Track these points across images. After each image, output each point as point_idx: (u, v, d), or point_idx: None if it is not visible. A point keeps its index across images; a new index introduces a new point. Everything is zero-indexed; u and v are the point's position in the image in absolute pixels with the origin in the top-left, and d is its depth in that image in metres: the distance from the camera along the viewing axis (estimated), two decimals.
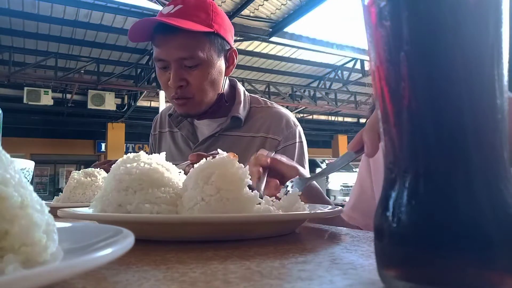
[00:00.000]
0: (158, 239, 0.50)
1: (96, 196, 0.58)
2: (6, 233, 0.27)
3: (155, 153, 0.62)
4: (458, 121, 0.25)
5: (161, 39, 1.10)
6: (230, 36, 1.20)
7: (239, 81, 1.35)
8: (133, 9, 6.63)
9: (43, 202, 0.32)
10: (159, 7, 5.87)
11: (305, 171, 0.99)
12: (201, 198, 0.52)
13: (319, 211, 0.60)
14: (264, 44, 8.18)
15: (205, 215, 0.50)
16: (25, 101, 9.18)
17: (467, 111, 0.25)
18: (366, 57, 7.79)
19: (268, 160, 0.77)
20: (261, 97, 1.40)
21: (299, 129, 1.27)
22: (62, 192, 1.06)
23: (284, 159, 0.82)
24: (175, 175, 0.59)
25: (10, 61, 8.09)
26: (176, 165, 0.64)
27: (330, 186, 10.80)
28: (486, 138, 0.26)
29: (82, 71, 8.89)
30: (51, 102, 9.52)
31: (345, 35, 7.90)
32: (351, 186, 10.89)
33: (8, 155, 0.32)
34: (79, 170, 1.11)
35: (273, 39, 7.39)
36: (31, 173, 1.01)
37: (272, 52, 8.91)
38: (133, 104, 11.07)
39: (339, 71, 10.26)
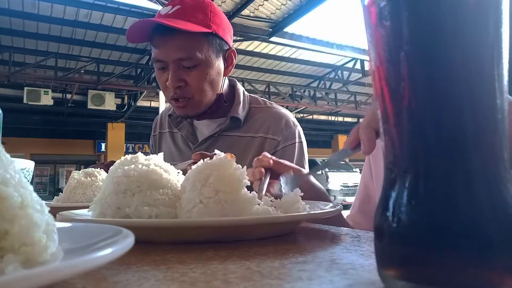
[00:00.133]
0: (157, 242, 0.49)
1: (95, 199, 0.58)
2: (6, 233, 0.27)
3: (155, 154, 0.62)
4: (458, 121, 0.25)
5: (159, 40, 1.10)
6: (229, 36, 1.20)
7: (239, 81, 1.34)
8: (133, 9, 6.64)
9: (43, 202, 0.32)
10: (159, 7, 5.86)
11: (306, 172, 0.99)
12: (199, 201, 0.52)
13: (319, 210, 0.60)
14: (264, 44, 8.18)
15: (203, 219, 0.49)
16: (25, 101, 9.19)
17: (467, 111, 0.25)
18: (366, 57, 7.80)
19: (271, 162, 0.77)
20: (261, 97, 1.40)
21: (299, 129, 1.27)
22: (62, 192, 1.06)
23: (287, 162, 0.82)
24: (174, 176, 0.59)
25: (10, 61, 8.09)
26: (176, 165, 0.64)
27: (330, 186, 10.80)
28: (486, 139, 0.26)
29: (82, 71, 8.90)
30: (51, 102, 9.53)
31: (345, 35, 7.92)
32: (351, 186, 10.93)
33: (8, 155, 0.32)
34: (79, 170, 1.11)
35: (273, 39, 7.40)
36: (31, 173, 1.01)
37: (272, 52, 8.92)
38: (133, 104, 11.08)
39: (339, 71, 10.27)
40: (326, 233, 0.57)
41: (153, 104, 11.86)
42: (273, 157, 0.79)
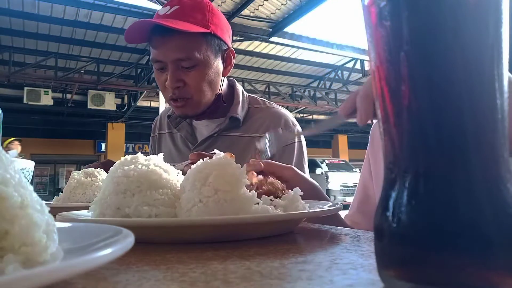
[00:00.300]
0: (157, 242, 0.50)
1: (95, 199, 0.58)
2: (6, 233, 0.27)
3: (155, 155, 0.62)
4: (458, 121, 0.25)
5: (157, 40, 1.10)
6: (228, 36, 1.20)
7: (239, 81, 1.35)
8: (133, 9, 6.64)
9: (43, 202, 0.32)
10: (159, 7, 5.85)
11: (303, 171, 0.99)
12: (199, 200, 0.52)
13: (318, 209, 0.60)
14: (264, 44, 8.18)
15: (202, 218, 0.50)
16: (25, 101, 9.19)
17: (467, 111, 0.25)
18: (366, 57, 7.79)
19: (262, 165, 0.77)
20: (261, 97, 1.40)
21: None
22: (62, 192, 1.06)
23: (277, 162, 0.82)
24: (173, 176, 0.59)
25: (10, 61, 8.10)
26: (174, 165, 0.64)
27: (330, 186, 10.82)
28: (486, 139, 0.26)
29: (82, 71, 8.90)
30: (51, 102, 9.53)
31: (345, 35, 7.92)
32: (351, 186, 10.93)
33: (8, 155, 0.32)
34: (79, 170, 1.10)
35: (273, 39, 7.40)
36: (31, 173, 1.01)
37: (272, 52, 8.92)
38: (133, 104, 11.08)
39: (339, 71, 10.27)
40: (326, 233, 0.57)
41: (153, 104, 11.86)
42: (263, 160, 0.79)
